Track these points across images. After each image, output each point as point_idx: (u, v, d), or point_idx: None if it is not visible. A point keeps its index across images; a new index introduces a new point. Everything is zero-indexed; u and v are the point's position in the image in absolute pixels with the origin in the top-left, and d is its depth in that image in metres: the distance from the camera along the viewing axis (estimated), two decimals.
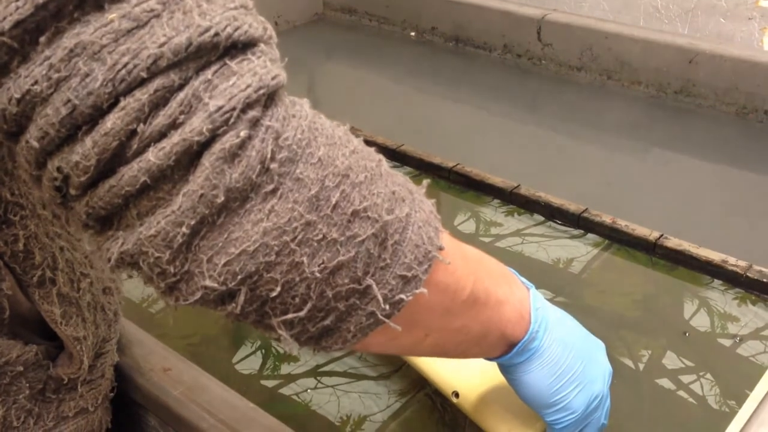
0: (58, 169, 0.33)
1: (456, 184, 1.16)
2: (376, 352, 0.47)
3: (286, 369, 0.83)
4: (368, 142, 0.39)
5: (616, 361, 0.81)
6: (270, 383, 0.81)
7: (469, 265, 0.46)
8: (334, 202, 0.35)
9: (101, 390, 0.60)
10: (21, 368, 0.51)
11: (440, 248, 0.40)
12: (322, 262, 0.35)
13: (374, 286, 0.37)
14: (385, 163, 0.39)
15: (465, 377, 0.68)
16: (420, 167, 1.20)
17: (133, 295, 0.93)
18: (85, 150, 0.32)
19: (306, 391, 0.80)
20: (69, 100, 0.31)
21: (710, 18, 1.54)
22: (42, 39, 0.31)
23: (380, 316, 0.38)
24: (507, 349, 0.53)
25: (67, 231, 0.53)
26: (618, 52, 1.52)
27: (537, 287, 0.55)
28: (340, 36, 1.93)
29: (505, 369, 0.56)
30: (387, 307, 0.37)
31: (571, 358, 0.54)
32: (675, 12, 1.59)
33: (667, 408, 0.77)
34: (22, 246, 0.48)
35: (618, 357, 0.82)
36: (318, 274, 0.35)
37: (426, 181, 0.43)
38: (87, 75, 0.31)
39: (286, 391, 0.80)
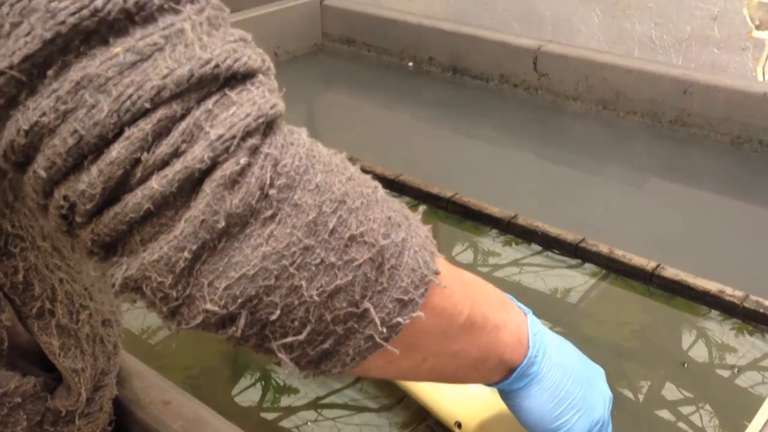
0: (65, 198, 0.34)
1: (454, 214, 1.17)
2: (375, 376, 0.48)
3: (286, 401, 0.82)
4: (367, 172, 0.40)
5: (616, 392, 0.80)
6: (270, 415, 0.80)
7: (466, 289, 0.46)
8: (331, 227, 0.35)
9: (99, 423, 0.59)
10: (19, 399, 0.51)
11: (436, 272, 0.41)
12: (321, 286, 0.35)
13: (372, 309, 0.37)
14: (381, 190, 0.40)
15: (467, 407, 0.68)
16: (418, 197, 1.21)
17: (133, 327, 0.93)
18: (91, 179, 0.33)
19: (306, 423, 0.79)
20: (76, 131, 0.32)
21: (704, 48, 1.56)
22: (49, 72, 0.32)
23: (378, 340, 0.38)
24: (506, 375, 0.53)
25: (66, 263, 0.53)
26: (613, 83, 1.53)
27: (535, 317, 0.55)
28: (339, 66, 1.95)
29: (505, 395, 0.56)
30: (385, 330, 0.38)
31: (570, 383, 0.55)
32: (669, 43, 1.60)
33: None
34: (22, 278, 0.48)
35: (618, 388, 0.82)
36: (316, 298, 0.35)
37: (422, 208, 0.44)
38: (93, 106, 0.32)
39: (286, 423, 0.79)
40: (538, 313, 0.56)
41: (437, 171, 1.36)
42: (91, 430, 0.58)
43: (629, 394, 0.82)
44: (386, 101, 1.76)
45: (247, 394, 0.83)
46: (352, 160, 0.40)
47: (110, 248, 0.35)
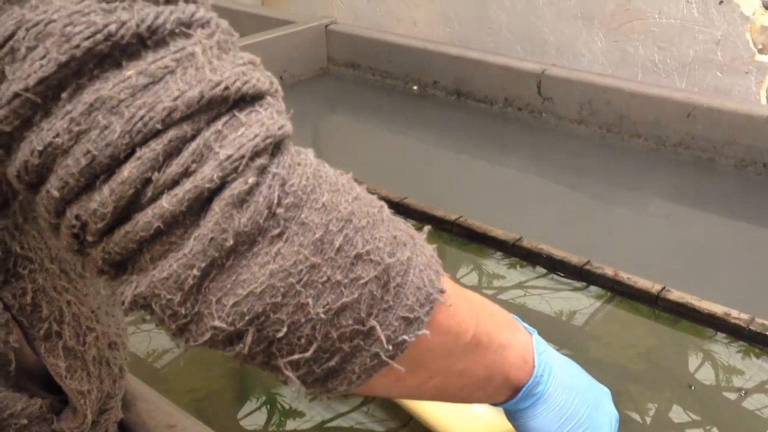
0: (77, 217, 0.34)
1: (459, 236, 1.17)
2: (380, 394, 0.48)
3: (291, 424, 0.82)
4: (371, 194, 0.41)
5: (623, 415, 0.80)
6: None
7: (471, 308, 0.47)
8: (337, 246, 0.36)
9: None
10: (25, 421, 0.51)
11: (441, 291, 0.41)
12: (327, 304, 0.36)
13: (378, 327, 0.38)
14: (387, 210, 0.41)
15: (472, 429, 0.68)
16: (423, 220, 1.21)
17: (138, 350, 0.93)
18: (103, 198, 0.33)
19: None
20: (88, 151, 0.33)
21: (707, 72, 1.57)
22: (64, 95, 0.32)
23: (384, 357, 0.38)
24: (512, 394, 0.53)
25: (74, 286, 0.53)
26: (617, 106, 1.54)
27: None
28: (344, 90, 1.96)
29: (511, 415, 0.56)
30: (390, 348, 0.38)
31: (576, 403, 0.55)
32: (672, 66, 1.61)
33: None
34: (30, 299, 0.48)
35: (625, 410, 0.82)
36: (323, 315, 0.36)
37: (427, 228, 0.45)
38: (106, 127, 0.32)
39: None
40: (543, 336, 0.56)
41: (442, 194, 1.36)
42: None
43: (636, 417, 0.82)
44: (391, 125, 1.77)
45: (253, 417, 0.83)
46: (357, 182, 0.40)
47: (120, 266, 0.36)
